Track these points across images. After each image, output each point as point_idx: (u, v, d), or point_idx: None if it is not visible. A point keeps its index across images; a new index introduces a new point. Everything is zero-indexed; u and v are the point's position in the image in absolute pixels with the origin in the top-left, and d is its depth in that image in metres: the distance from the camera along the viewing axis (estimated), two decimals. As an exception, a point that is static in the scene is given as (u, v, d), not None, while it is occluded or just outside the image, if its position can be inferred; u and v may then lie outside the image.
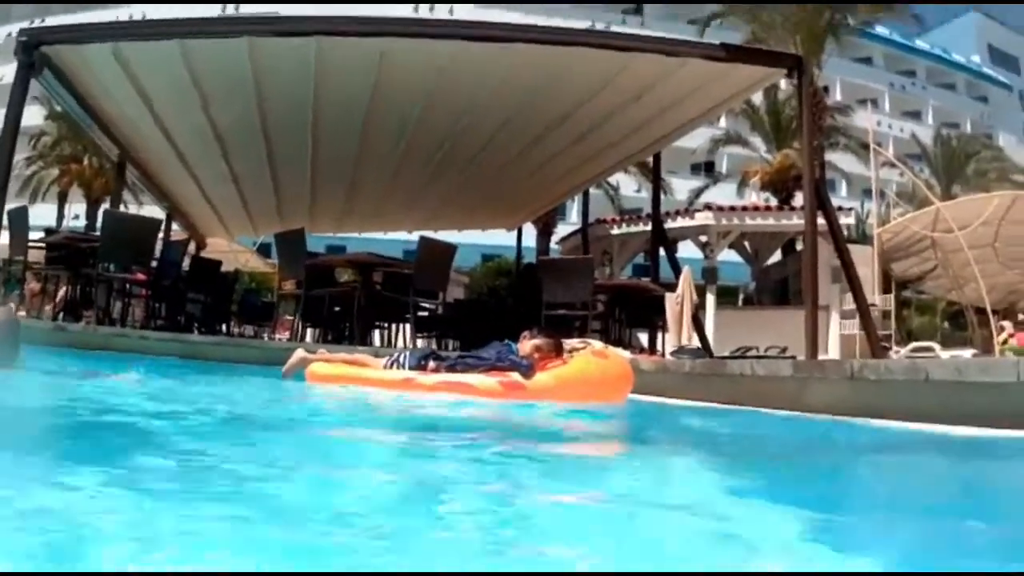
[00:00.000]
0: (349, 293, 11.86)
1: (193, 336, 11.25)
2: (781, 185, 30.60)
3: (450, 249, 11.97)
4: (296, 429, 4.19)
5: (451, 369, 6.52)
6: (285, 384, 7.10)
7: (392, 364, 6.85)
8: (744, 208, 21.98)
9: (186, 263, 14.42)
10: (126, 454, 2.82)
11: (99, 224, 11.62)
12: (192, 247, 18.63)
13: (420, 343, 13.54)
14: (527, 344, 6.47)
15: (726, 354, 7.66)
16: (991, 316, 20.64)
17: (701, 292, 14.25)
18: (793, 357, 8.27)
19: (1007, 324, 21.61)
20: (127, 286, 12.35)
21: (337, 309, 12.59)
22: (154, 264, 12.26)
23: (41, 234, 13.25)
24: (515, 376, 6.15)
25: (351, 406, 5.86)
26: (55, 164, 40.72)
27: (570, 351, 6.56)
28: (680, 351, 9.92)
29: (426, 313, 14.18)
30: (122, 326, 11.82)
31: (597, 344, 6.73)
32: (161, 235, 14.32)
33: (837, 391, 4.94)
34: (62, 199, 41.13)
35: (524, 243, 22.58)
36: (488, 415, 5.51)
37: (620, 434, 5.16)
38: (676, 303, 11.19)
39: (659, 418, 6.33)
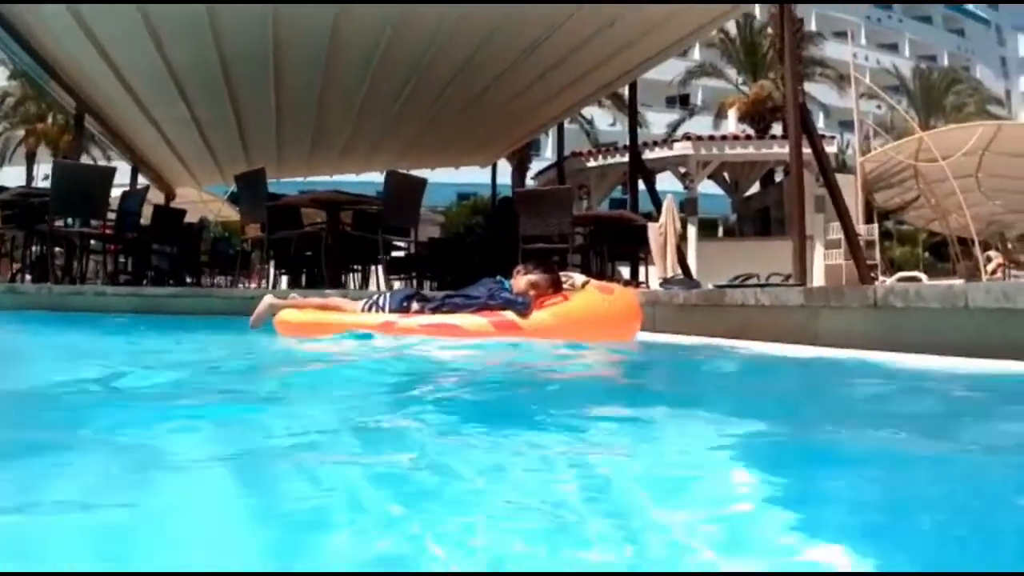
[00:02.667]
0: (315, 234, 11.20)
1: (151, 289, 10.63)
2: (758, 116, 30.35)
3: (420, 183, 11.31)
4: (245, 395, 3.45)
5: (437, 310, 5.89)
6: (250, 337, 6.43)
7: (371, 307, 6.18)
8: (724, 137, 21.50)
9: (149, 215, 13.80)
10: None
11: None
12: (162, 199, 18.41)
13: (396, 285, 13.05)
14: (521, 280, 5.88)
15: (721, 283, 7.04)
16: (977, 246, 20.41)
17: (683, 224, 13.76)
18: (800, 284, 7.74)
19: (994, 254, 21.37)
20: (88, 241, 11.84)
21: (309, 254, 12.01)
22: (112, 217, 11.72)
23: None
24: (509, 315, 5.56)
25: (321, 355, 5.14)
26: (20, 125, 40.08)
27: (570, 287, 5.96)
28: (669, 282, 9.40)
29: (400, 253, 13.65)
30: (82, 283, 11.26)
31: (579, 278, 6.05)
32: (126, 188, 13.76)
33: (857, 321, 4.38)
34: (30, 159, 40.45)
35: (499, 180, 22.15)
36: (480, 356, 4.89)
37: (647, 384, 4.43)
38: (659, 233, 10.72)
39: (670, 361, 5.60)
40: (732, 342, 5.31)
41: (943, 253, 29.79)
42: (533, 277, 5.83)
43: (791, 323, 4.92)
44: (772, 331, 5.04)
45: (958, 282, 15.08)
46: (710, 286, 7.23)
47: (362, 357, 4.92)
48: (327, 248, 10.65)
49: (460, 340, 5.27)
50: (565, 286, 5.93)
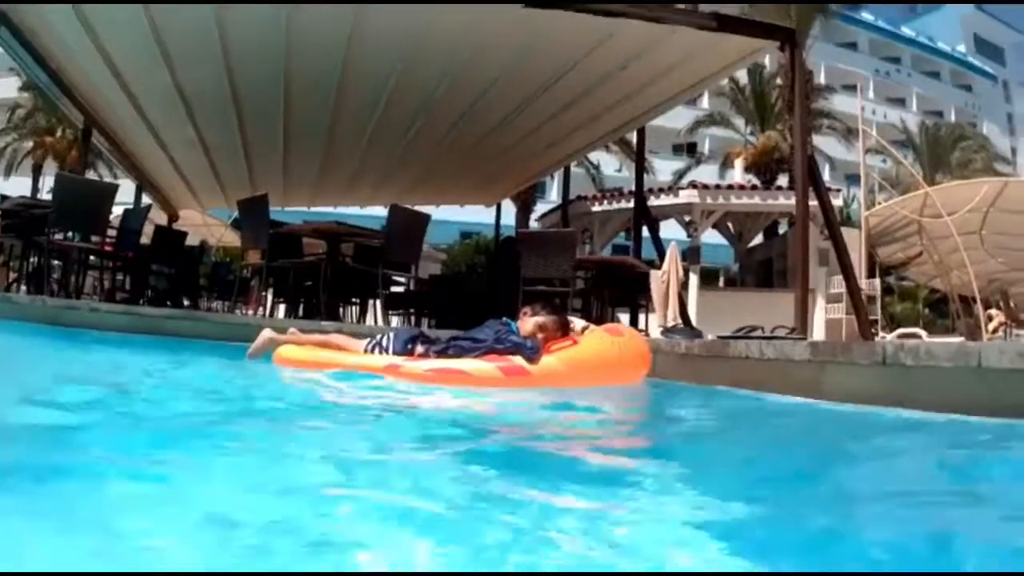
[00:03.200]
0: (315, 264, 11.10)
1: (145, 308, 10.50)
2: (764, 167, 30.36)
3: (424, 218, 11.23)
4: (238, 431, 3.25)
5: (442, 354, 5.62)
6: (247, 367, 6.30)
7: (373, 348, 5.95)
8: (730, 187, 21.48)
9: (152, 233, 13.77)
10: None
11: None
12: (165, 220, 18.18)
13: (393, 321, 12.93)
14: (529, 322, 5.63)
15: (724, 334, 6.88)
16: (979, 304, 20.30)
17: (685, 272, 13.66)
18: (803, 338, 7.62)
19: (996, 312, 21.23)
20: (87, 256, 11.74)
21: (308, 284, 11.87)
22: (113, 234, 11.69)
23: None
24: (517, 360, 5.26)
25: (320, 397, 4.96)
26: (29, 136, 40.16)
27: (581, 330, 5.74)
28: (671, 331, 9.29)
29: (400, 289, 13.55)
30: (77, 298, 11.11)
31: (578, 323, 5.87)
32: (130, 206, 13.71)
33: (864, 378, 4.27)
34: (36, 171, 40.37)
35: (503, 221, 21.96)
36: (487, 410, 4.63)
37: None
38: (662, 281, 10.64)
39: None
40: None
41: (943, 310, 29.75)
42: (541, 319, 5.62)
43: (796, 377, 4.80)
44: (776, 384, 4.92)
45: (969, 341, 15.02)
46: (713, 336, 7.09)
47: (371, 405, 4.64)
48: (326, 279, 10.54)
49: (468, 389, 5.06)
50: (594, 329, 5.77)
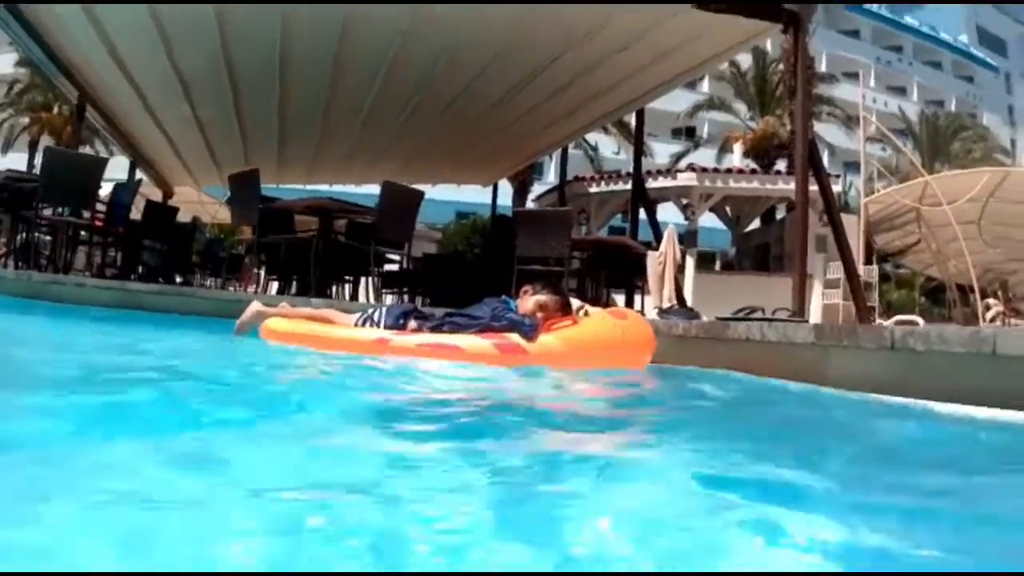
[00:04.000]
0: (306, 241, 10.89)
1: (133, 284, 10.31)
2: (763, 152, 30.24)
3: (417, 195, 11.04)
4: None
5: (436, 330, 5.49)
6: (233, 342, 6.13)
7: (364, 322, 5.79)
8: (728, 171, 21.29)
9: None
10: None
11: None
12: (159, 197, 18.15)
13: (387, 299, 12.77)
14: (528, 301, 5.48)
15: (723, 316, 6.64)
16: (977, 293, 20.24)
17: (682, 255, 13.49)
18: (805, 321, 7.43)
19: (993, 302, 21.11)
20: (78, 231, 11.57)
21: (301, 260, 11.67)
22: (103, 208, 11.53)
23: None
24: (514, 338, 5.12)
25: (304, 373, 4.74)
26: (26, 112, 40.01)
27: (581, 310, 5.60)
28: (668, 312, 9.11)
29: (394, 267, 13.38)
30: (66, 273, 10.91)
31: (574, 303, 5.70)
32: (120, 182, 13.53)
33: (870, 363, 4.07)
34: (32, 148, 40.09)
35: (500, 201, 21.72)
36: (483, 386, 4.43)
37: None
38: (658, 262, 10.45)
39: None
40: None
41: (940, 299, 29.64)
42: (541, 298, 5.47)
43: (798, 361, 4.61)
44: (777, 368, 4.72)
45: (985, 327, 14.93)
46: (712, 318, 6.86)
47: (350, 376, 4.52)
48: (317, 255, 10.35)
49: (460, 363, 4.90)
50: (597, 310, 5.61)
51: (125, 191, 12.17)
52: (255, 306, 6.38)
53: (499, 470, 2.04)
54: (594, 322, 5.43)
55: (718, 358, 5.45)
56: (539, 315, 5.35)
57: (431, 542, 1.44)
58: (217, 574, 1.18)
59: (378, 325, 5.69)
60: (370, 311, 5.97)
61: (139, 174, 17.78)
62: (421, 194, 11.10)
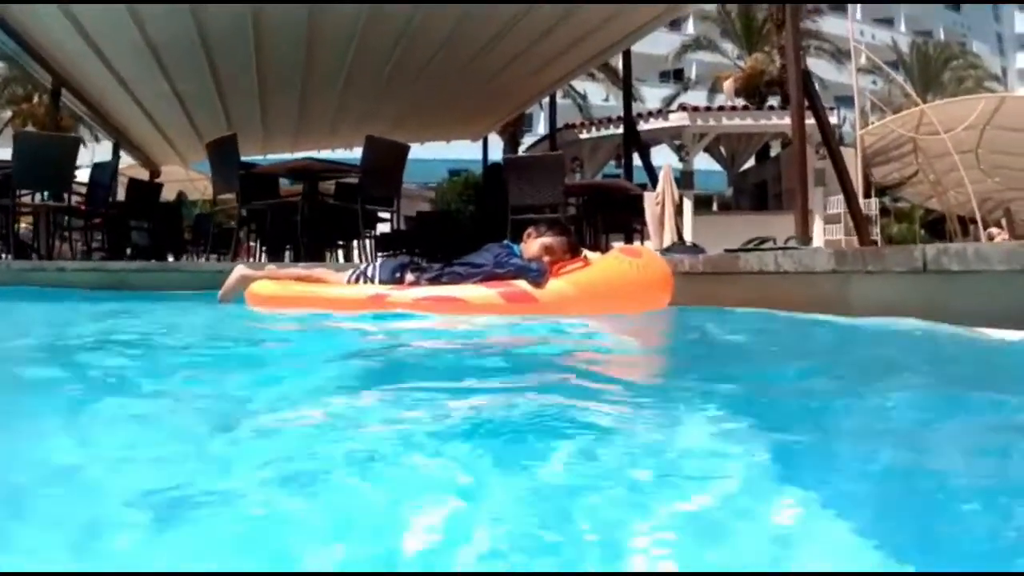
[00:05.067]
0: (291, 205, 10.54)
1: (113, 264, 10.00)
2: (754, 90, 29.73)
3: (402, 148, 10.64)
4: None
5: (435, 281, 5.15)
6: (216, 310, 5.75)
7: (358, 279, 5.45)
8: (720, 108, 20.99)
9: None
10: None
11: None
12: (146, 177, 17.80)
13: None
14: (533, 244, 5.14)
15: (731, 248, 6.23)
16: (980, 223, 20.06)
17: (679, 197, 13.22)
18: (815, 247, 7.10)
19: (996, 231, 20.87)
20: (60, 216, 11.26)
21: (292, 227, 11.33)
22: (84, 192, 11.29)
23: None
24: (522, 285, 4.79)
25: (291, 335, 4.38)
26: (8, 106, 39.46)
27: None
28: (671, 249, 8.80)
29: (388, 229, 13.06)
30: (50, 259, 10.59)
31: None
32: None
33: (899, 289, 3.74)
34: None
35: (491, 156, 21.44)
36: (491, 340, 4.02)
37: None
38: (656, 203, 10.15)
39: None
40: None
41: (940, 230, 29.36)
42: (547, 240, 5.13)
43: (818, 292, 4.24)
44: (795, 301, 4.37)
45: None
46: (721, 251, 6.42)
47: (342, 336, 4.19)
48: (303, 220, 10.01)
49: (464, 316, 4.56)
50: (612, 250, 5.27)
51: (103, 172, 11.83)
52: (238, 271, 6.02)
53: (532, 452, 1.61)
54: (607, 262, 5.06)
55: (729, 294, 5.10)
56: (546, 259, 5.02)
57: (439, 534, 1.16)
58: (217, 574, 1.10)
59: (372, 281, 5.36)
60: (363, 266, 5.65)
61: (125, 157, 17.56)
62: (406, 147, 10.72)
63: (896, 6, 70.30)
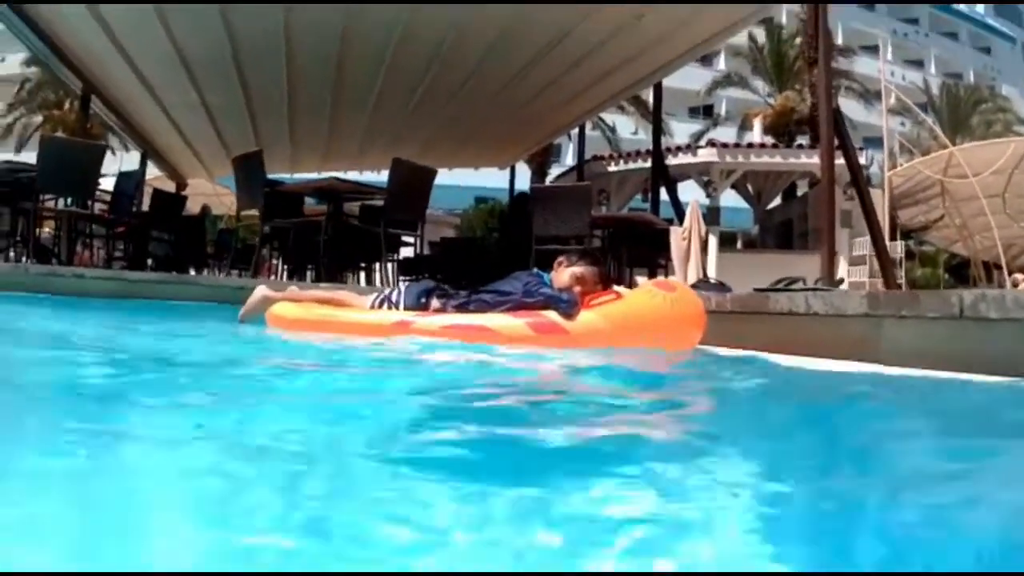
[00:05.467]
0: (315, 224, 10.51)
1: (132, 274, 9.97)
2: (783, 128, 29.85)
3: (429, 172, 10.60)
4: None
5: (462, 309, 4.97)
6: (235, 331, 5.65)
7: (382, 303, 5.27)
8: (750, 145, 20.97)
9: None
10: None
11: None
12: (173, 189, 17.73)
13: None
14: (564, 273, 4.92)
15: (760, 287, 6.06)
16: (1005, 269, 19.92)
17: (705, 232, 13.14)
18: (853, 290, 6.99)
19: (1021, 276, 20.70)
20: (83, 224, 11.34)
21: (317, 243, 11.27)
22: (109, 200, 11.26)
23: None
24: (551, 315, 4.57)
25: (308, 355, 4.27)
26: (39, 111, 39.79)
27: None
28: (696, 286, 8.70)
29: (411, 253, 13.03)
30: (69, 266, 10.60)
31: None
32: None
33: (934, 335, 3.63)
34: (46, 145, 40.01)
35: (518, 185, 21.36)
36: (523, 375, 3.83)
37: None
38: (683, 238, 10.07)
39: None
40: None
41: (964, 275, 29.21)
42: (578, 270, 4.90)
43: (848, 336, 4.12)
44: (823, 345, 4.28)
45: None
46: (750, 290, 6.23)
47: (365, 364, 4.01)
48: (327, 239, 9.98)
49: (491, 346, 4.34)
50: (645, 283, 5.12)
51: (128, 181, 11.86)
52: (260, 291, 5.92)
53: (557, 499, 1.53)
54: (640, 296, 4.83)
55: (755, 335, 4.97)
56: (577, 289, 4.80)
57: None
58: (217, 574, 1.12)
59: (397, 306, 5.19)
60: (387, 291, 5.47)
61: (153, 168, 17.67)
62: (433, 171, 10.69)
63: (926, 47, 70.29)
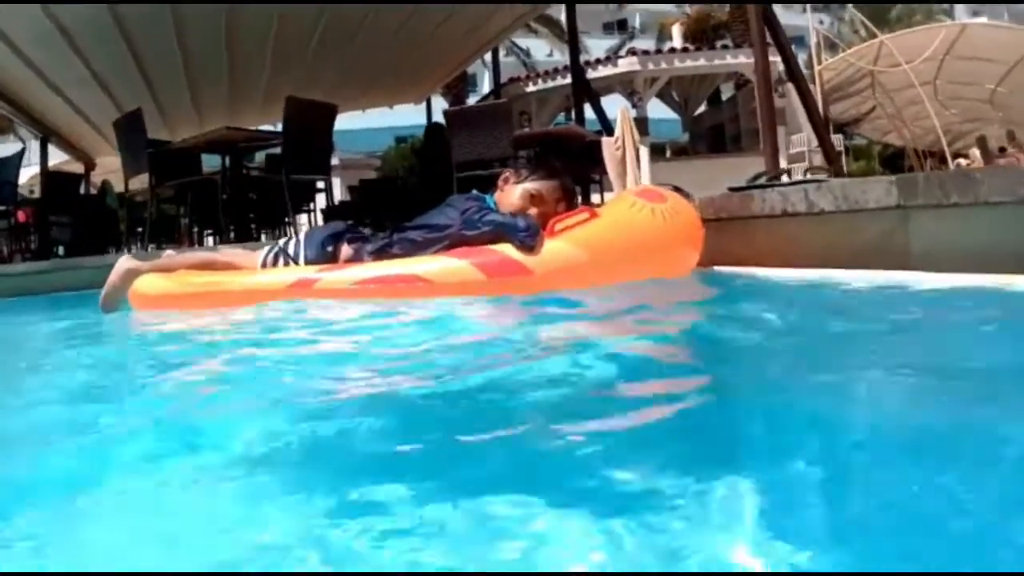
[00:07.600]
0: (211, 180, 9.45)
1: (12, 267, 9.02)
2: (702, 35, 29.28)
3: (328, 108, 9.56)
4: None
5: (382, 254, 3.81)
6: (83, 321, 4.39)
7: (276, 259, 4.08)
8: (672, 50, 20.32)
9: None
10: None
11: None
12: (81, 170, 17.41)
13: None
14: (513, 191, 3.78)
15: (735, 186, 4.67)
16: (947, 152, 19.81)
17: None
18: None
19: (964, 162, 20.44)
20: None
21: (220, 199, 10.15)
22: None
23: None
24: (506, 250, 3.44)
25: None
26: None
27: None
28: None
29: (335, 202, 12.20)
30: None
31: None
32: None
33: (993, 227, 2.55)
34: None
35: (436, 118, 20.47)
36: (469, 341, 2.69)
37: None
38: (616, 148, 9.12)
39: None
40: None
41: (898, 166, 28.95)
42: (532, 186, 3.76)
43: (866, 239, 3.06)
44: (835, 254, 3.15)
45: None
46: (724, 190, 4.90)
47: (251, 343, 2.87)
48: (227, 198, 8.90)
49: (427, 302, 3.24)
50: (623, 192, 3.91)
51: (7, 167, 11.16)
52: (123, 263, 4.44)
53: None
54: (622, 211, 3.66)
55: (734, 247, 3.84)
56: (533, 211, 3.68)
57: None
58: (217, 574, 1.05)
59: (295, 260, 4.03)
60: (282, 242, 4.25)
61: (59, 153, 17.23)
62: (333, 107, 9.65)
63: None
